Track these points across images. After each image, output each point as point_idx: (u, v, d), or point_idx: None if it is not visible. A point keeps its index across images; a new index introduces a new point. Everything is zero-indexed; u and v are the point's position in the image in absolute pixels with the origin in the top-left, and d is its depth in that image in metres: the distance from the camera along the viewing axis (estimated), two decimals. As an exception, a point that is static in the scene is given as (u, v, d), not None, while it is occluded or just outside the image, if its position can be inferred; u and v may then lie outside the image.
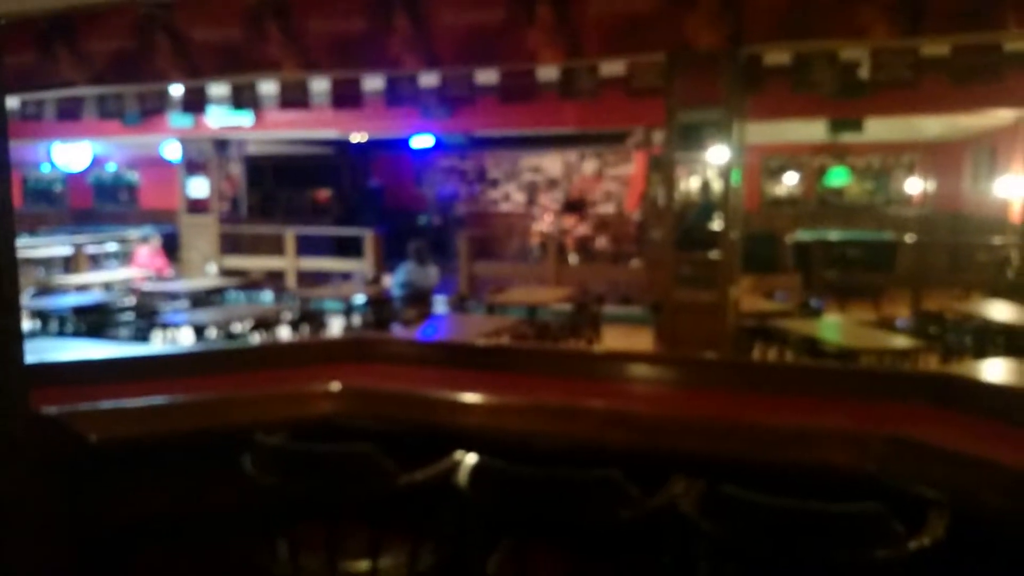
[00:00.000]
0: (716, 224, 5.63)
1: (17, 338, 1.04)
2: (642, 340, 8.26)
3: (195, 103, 7.16)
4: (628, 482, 1.93)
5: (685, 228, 6.77)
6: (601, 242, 14.73)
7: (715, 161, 5.52)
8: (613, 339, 8.56)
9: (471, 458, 2.14)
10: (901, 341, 5.34)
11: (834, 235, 11.96)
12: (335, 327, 8.14)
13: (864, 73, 5.63)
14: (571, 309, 7.69)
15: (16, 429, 1.00)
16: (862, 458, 2.13)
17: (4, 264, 1.01)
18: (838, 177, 12.73)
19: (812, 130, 10.87)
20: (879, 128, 10.36)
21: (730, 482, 1.85)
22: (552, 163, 16.92)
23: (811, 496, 1.76)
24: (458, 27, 5.43)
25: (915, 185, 14.29)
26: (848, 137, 11.12)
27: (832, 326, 6.06)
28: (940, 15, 4.51)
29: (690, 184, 15.15)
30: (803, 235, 12.08)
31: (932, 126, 11.38)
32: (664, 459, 2.25)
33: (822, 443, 2.20)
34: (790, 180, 14.91)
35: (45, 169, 17.31)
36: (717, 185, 5.64)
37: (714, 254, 5.39)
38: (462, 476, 2.09)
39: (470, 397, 2.57)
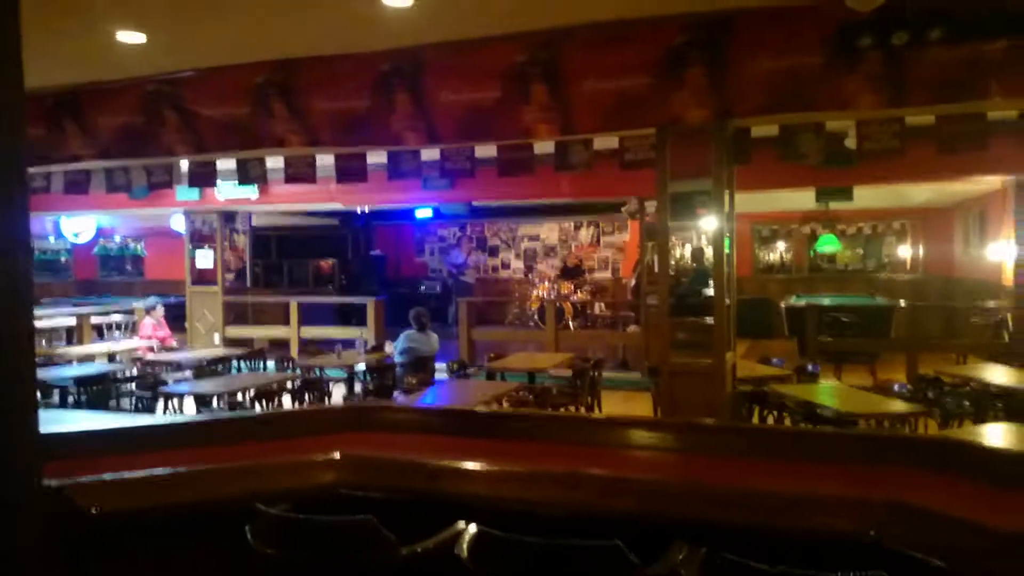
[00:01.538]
0: (710, 290, 5.69)
1: (33, 410, 1.07)
2: (641, 405, 8.23)
3: (202, 177, 7.29)
4: (629, 551, 1.93)
5: (680, 294, 6.85)
6: (599, 308, 14.80)
7: (707, 229, 5.62)
8: (612, 404, 8.53)
9: (472, 528, 2.14)
10: (899, 406, 5.33)
11: (827, 300, 12.03)
12: (337, 395, 8.13)
13: (851, 143, 5.77)
14: (570, 374, 7.70)
15: (28, 501, 1.03)
16: (863, 524, 2.12)
17: (22, 337, 1.06)
18: (828, 244, 12.92)
19: (802, 198, 11.07)
20: (868, 195, 10.55)
21: (732, 548, 1.84)
22: (550, 231, 17.17)
23: (813, 562, 1.75)
24: (457, 106, 5.60)
25: (906, 250, 14.47)
26: (837, 205, 11.31)
27: (829, 391, 6.06)
28: (924, 86, 4.65)
29: (684, 251, 15.29)
30: (796, 300, 12.16)
31: (921, 192, 11.59)
32: (666, 526, 2.25)
33: (823, 509, 2.21)
34: (781, 247, 15.14)
35: (50, 241, 17.50)
36: (710, 252, 5.73)
37: (709, 319, 5.44)
38: (463, 547, 2.09)
39: (471, 465, 2.58)
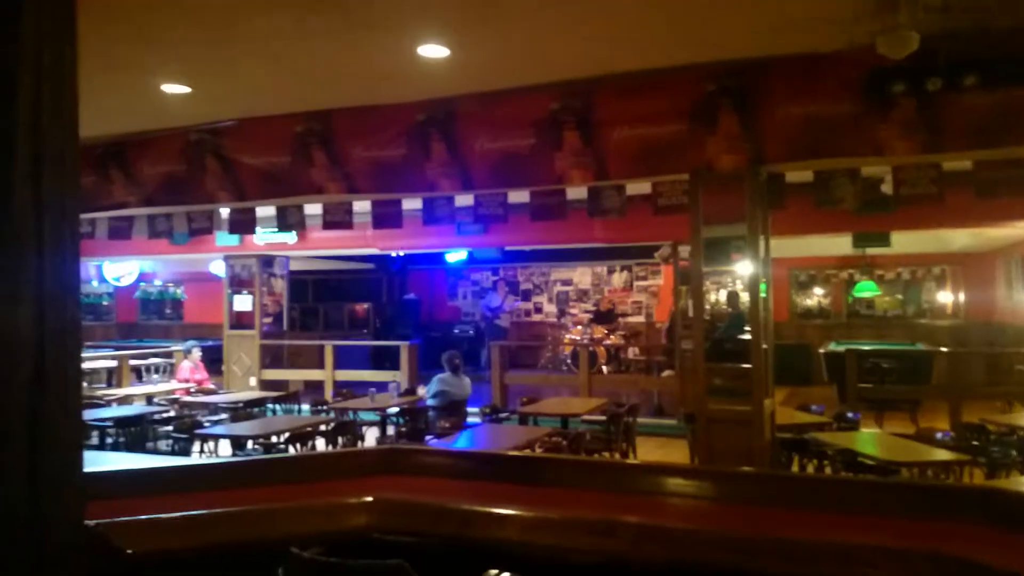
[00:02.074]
0: (746, 335, 5.64)
1: (78, 450, 1.10)
2: (677, 452, 8.11)
3: (242, 224, 7.45)
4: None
5: (716, 339, 6.79)
6: (632, 352, 14.69)
7: (742, 274, 5.59)
8: (648, 451, 8.42)
9: (505, 576, 2.12)
10: (943, 454, 5.19)
11: (867, 346, 11.82)
12: (370, 438, 8.14)
13: (887, 188, 5.74)
14: (604, 420, 7.62)
15: (70, 541, 1.05)
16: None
17: (70, 377, 1.09)
18: (867, 289, 12.74)
19: (838, 243, 10.96)
20: (906, 240, 10.41)
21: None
22: (582, 275, 17.18)
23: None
24: (491, 153, 5.70)
25: (947, 296, 14.21)
26: (875, 250, 11.17)
27: (870, 439, 5.92)
28: (959, 132, 4.63)
29: (719, 296, 15.24)
30: (835, 346, 11.95)
31: (960, 237, 11.41)
32: (703, 575, 2.21)
33: (863, 560, 2.15)
34: (819, 292, 14.96)
35: (93, 284, 17.94)
36: (745, 297, 5.71)
37: (746, 365, 5.38)
38: (496, 594, 2.07)
39: (504, 511, 2.54)
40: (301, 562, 2.21)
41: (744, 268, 5.55)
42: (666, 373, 12.05)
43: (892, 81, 4.51)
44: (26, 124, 0.95)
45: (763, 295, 5.48)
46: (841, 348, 11.34)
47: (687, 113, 5.18)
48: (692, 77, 5.12)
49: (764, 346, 5.38)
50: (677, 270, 10.98)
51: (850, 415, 6.99)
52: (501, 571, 2.15)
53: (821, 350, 12.02)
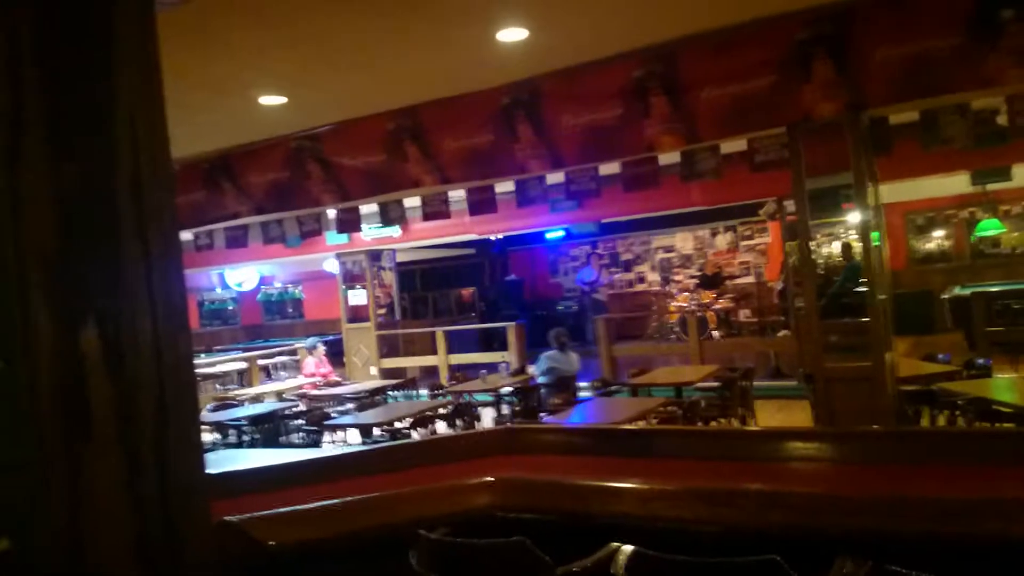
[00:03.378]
0: (863, 287, 5.43)
1: (198, 449, 1.20)
2: (799, 414, 7.90)
3: (348, 223, 7.75)
4: (789, 567, 1.89)
5: (832, 293, 6.52)
6: (744, 314, 14.32)
7: (855, 223, 5.36)
8: (768, 415, 8.24)
9: (627, 548, 2.16)
10: (1090, 398, 4.86)
11: (995, 287, 11.07)
12: (487, 419, 8.33)
13: (1004, 119, 5.35)
14: (719, 386, 7.51)
15: (199, 538, 1.14)
16: (1050, 531, 1.98)
17: (183, 379, 1.18)
18: (991, 227, 11.90)
19: (955, 182, 10.28)
20: (1031, 171, 9.66)
21: (900, 561, 1.77)
22: (684, 240, 16.86)
23: (989, 572, 1.66)
24: (578, 128, 5.66)
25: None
26: (996, 185, 10.42)
27: (1005, 385, 5.60)
28: (1080, 51, 4.28)
29: (832, 248, 14.55)
30: (960, 291, 11.27)
31: (1094, 162, 10.48)
32: (828, 540, 2.17)
33: (998, 513, 2.06)
34: (938, 235, 14.09)
35: (218, 291, 19.01)
36: (859, 247, 5.48)
37: (863, 319, 5.17)
38: (619, 567, 2.11)
39: (621, 484, 2.57)
40: (430, 543, 2.32)
41: (854, 218, 5.33)
42: (782, 333, 11.71)
43: (1000, 7, 4.20)
44: (126, 145, 1.03)
45: (876, 244, 5.24)
46: (966, 292, 10.68)
47: (779, 64, 4.99)
48: (781, 27, 4.92)
49: (881, 297, 5.16)
50: (784, 226, 10.61)
51: (981, 361, 6.60)
52: (621, 544, 2.19)
53: (944, 295, 11.36)
